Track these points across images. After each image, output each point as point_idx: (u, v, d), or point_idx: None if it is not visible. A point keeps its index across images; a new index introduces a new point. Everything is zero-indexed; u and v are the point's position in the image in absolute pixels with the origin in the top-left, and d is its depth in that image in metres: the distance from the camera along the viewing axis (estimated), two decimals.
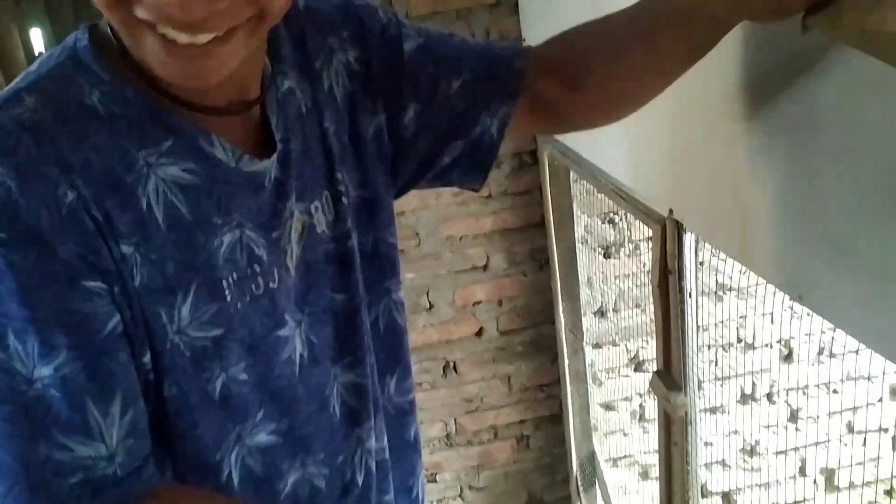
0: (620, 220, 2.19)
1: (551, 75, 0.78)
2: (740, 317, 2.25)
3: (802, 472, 2.42)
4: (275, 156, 0.66)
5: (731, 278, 2.14)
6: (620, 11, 0.75)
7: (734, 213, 0.97)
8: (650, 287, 1.33)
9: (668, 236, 1.22)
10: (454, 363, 2.29)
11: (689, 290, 1.22)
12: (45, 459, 0.54)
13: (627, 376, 2.36)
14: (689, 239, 1.22)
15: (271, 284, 0.66)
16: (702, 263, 2.21)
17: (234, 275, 0.63)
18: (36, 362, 0.54)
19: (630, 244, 2.26)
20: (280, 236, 0.67)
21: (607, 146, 1.46)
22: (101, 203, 0.56)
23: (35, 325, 0.53)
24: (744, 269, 1.20)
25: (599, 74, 0.76)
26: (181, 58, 0.53)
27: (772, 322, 2.27)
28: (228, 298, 0.63)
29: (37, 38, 4.11)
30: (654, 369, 1.42)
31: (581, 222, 2.17)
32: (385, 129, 0.76)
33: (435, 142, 0.78)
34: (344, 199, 0.73)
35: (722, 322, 2.17)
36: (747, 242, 0.96)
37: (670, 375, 1.35)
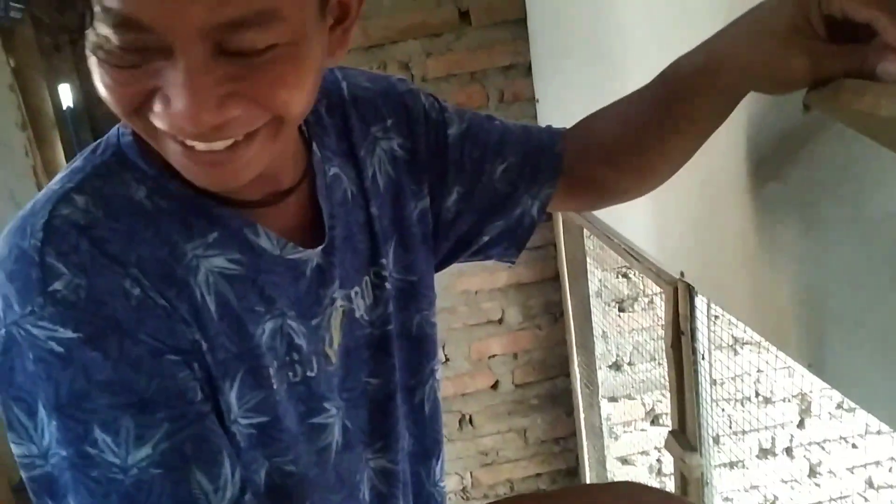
0: (634, 274, 2.21)
1: (587, 156, 0.81)
2: (757, 371, 2.25)
3: None
4: (321, 246, 0.66)
5: (746, 332, 2.15)
6: (639, 90, 0.78)
7: (745, 280, 0.99)
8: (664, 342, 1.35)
9: (680, 298, 1.24)
10: (470, 416, 2.29)
11: (702, 352, 1.24)
12: None
13: (644, 430, 2.35)
14: (700, 301, 1.24)
15: (309, 373, 0.66)
16: (717, 317, 2.22)
17: (275, 363, 0.63)
18: (130, 448, 0.53)
19: (645, 298, 2.27)
20: (320, 324, 0.67)
21: (620, 206, 1.48)
22: (162, 293, 0.56)
23: (130, 409, 0.53)
24: None
25: (631, 152, 0.79)
26: (202, 164, 0.54)
27: (789, 376, 2.26)
28: (274, 386, 0.62)
29: (65, 94, 4.23)
30: (670, 426, 1.42)
31: (595, 276, 2.19)
32: (429, 211, 0.77)
33: (475, 222, 0.80)
34: (386, 285, 0.73)
35: (739, 376, 2.17)
36: (758, 308, 0.97)
37: (685, 435, 1.36)
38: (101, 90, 0.51)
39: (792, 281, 0.87)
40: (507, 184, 0.79)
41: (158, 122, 0.51)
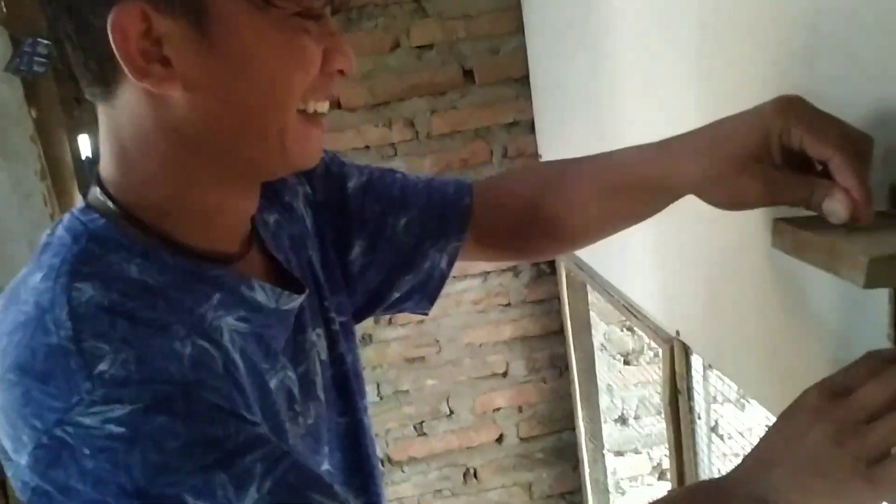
0: (639, 328, 2.20)
1: (500, 214, 0.81)
2: (765, 425, 2.22)
3: None
4: (306, 293, 0.67)
5: None
6: (573, 164, 0.78)
7: (738, 342, 1.00)
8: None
9: (676, 356, 1.25)
10: (474, 470, 2.28)
11: (698, 411, 1.24)
12: None
13: (651, 485, 2.33)
14: (697, 360, 1.24)
15: (308, 421, 0.66)
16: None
17: (285, 419, 0.62)
18: (234, 500, 0.49)
19: (650, 351, 2.26)
20: (307, 370, 0.68)
21: (620, 264, 1.50)
22: (209, 352, 0.54)
23: (217, 465, 0.49)
24: None
25: (548, 220, 0.79)
26: (319, 129, 0.60)
27: None
28: (292, 442, 0.61)
29: (84, 144, 4.32)
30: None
31: (600, 329, 2.19)
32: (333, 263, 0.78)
33: (383, 278, 0.80)
34: (333, 325, 0.74)
35: (745, 431, 2.15)
36: (751, 370, 0.98)
37: None
38: (303, 64, 0.55)
39: (786, 347, 0.87)
40: (411, 237, 0.79)
41: (342, 65, 0.58)
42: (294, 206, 0.75)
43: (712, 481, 0.63)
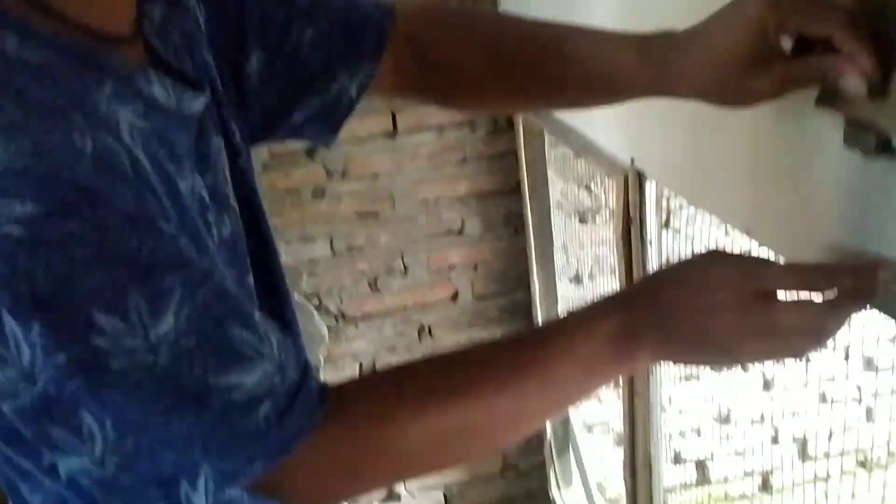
0: (596, 186, 2.18)
1: (432, 50, 0.73)
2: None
3: (775, 440, 2.43)
4: (208, 90, 0.60)
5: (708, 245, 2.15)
6: (553, 37, 0.71)
7: (689, 157, 0.98)
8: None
9: (630, 186, 1.22)
10: (429, 327, 2.29)
11: (649, 239, 1.22)
12: (222, 412, 0.48)
13: None
14: (651, 189, 1.22)
15: (225, 232, 0.61)
16: (678, 231, 2.19)
17: (201, 226, 0.56)
18: (148, 324, 0.45)
19: (607, 210, 2.25)
20: (215, 179, 0.62)
21: None
22: (112, 150, 0.47)
23: (132, 281, 0.45)
24: (726, 232, 1.22)
25: (492, 86, 0.73)
26: None
27: None
28: (212, 249, 0.56)
29: None
30: None
31: (557, 187, 2.17)
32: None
33: (283, 96, 0.71)
34: (233, 138, 0.67)
35: None
36: (700, 183, 0.96)
37: None
38: None
39: (736, 154, 0.85)
40: (319, 54, 0.70)
41: None
42: (186, 5, 0.64)
43: (618, 295, 0.66)
